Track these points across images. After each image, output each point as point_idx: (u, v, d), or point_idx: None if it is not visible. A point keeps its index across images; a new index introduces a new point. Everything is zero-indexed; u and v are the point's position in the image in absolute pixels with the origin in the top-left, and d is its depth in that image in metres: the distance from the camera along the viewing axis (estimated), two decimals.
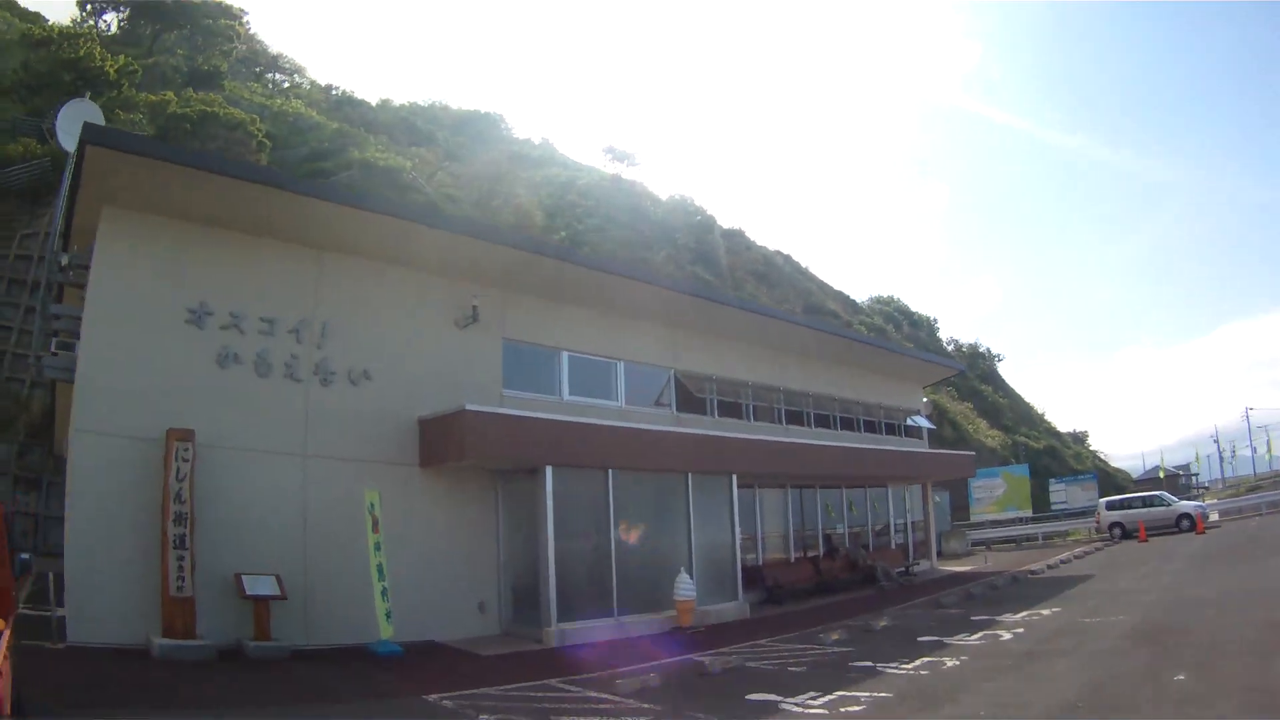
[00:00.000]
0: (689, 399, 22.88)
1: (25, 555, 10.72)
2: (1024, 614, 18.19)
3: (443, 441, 16.72)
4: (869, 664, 13.64)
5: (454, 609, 17.19)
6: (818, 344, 27.42)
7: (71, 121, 23.39)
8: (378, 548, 15.35)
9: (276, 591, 14.53)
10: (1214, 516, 40.47)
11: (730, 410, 24.43)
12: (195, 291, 15.23)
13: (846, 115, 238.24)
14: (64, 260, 18.29)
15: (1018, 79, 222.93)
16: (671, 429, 20.30)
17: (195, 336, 15.12)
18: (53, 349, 17.29)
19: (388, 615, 15.16)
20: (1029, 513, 48.55)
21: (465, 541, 17.74)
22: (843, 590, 26.00)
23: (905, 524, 33.53)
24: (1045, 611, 18.43)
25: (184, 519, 14.03)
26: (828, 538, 28.43)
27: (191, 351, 15.05)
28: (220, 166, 15.76)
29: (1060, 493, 50.65)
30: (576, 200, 53.74)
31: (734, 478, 21.21)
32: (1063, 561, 30.59)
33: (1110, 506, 41.18)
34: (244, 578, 14.40)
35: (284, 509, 15.55)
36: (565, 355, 20.34)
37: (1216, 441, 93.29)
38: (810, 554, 27.19)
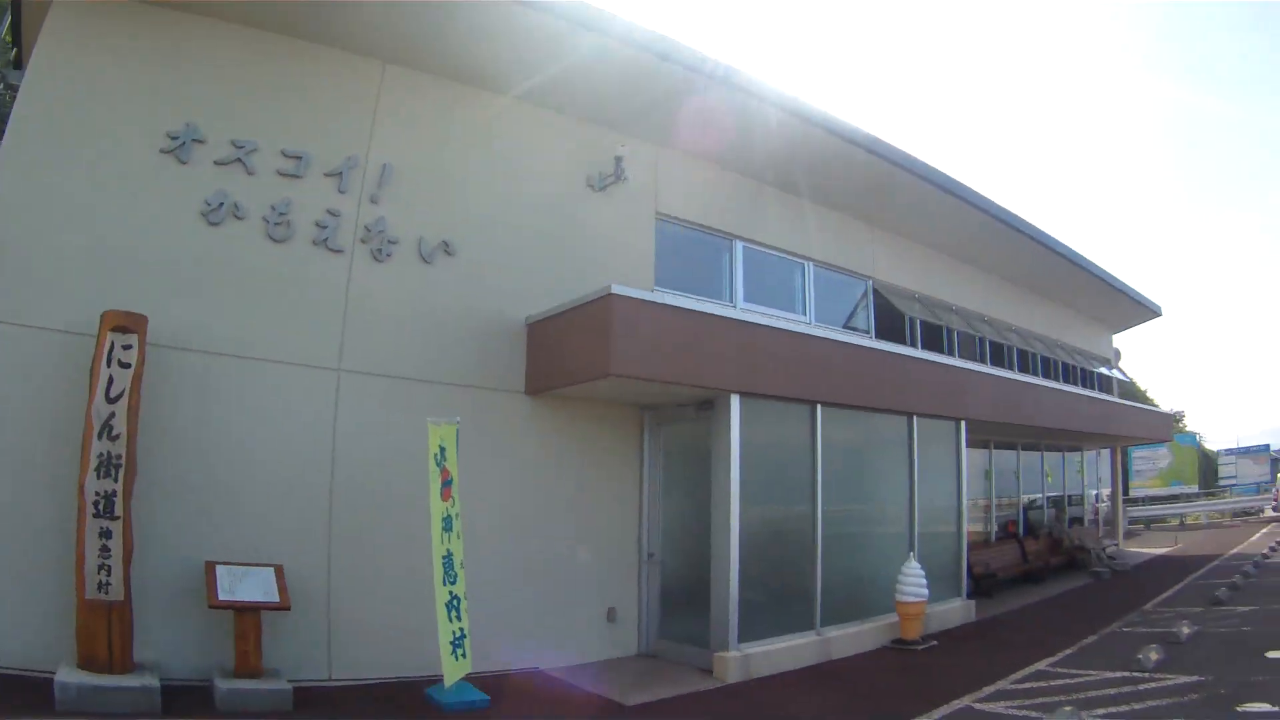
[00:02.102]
0: (887, 321, 16.83)
1: None
2: None
3: (570, 352, 10.61)
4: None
5: (571, 619, 11.28)
6: (1031, 258, 20.73)
7: None
8: (448, 525, 9.03)
9: (273, 596, 8.61)
10: None
11: (931, 342, 17.84)
12: (180, 108, 9.31)
13: None
14: None
15: None
16: (900, 350, 14.26)
17: (173, 175, 9.16)
18: None
19: (456, 644, 8.86)
20: (1195, 488, 42.51)
21: (592, 514, 11.72)
22: (1051, 578, 20.33)
23: (1094, 496, 28.01)
24: None
25: (114, 467, 8.04)
26: (1026, 512, 22.67)
27: (164, 197, 9.12)
28: None
29: (1230, 466, 44.04)
30: None
31: (963, 426, 15.31)
32: (1277, 545, 24.70)
33: None
34: (219, 572, 8.48)
35: (297, 457, 9.59)
36: (740, 246, 14.16)
37: None
38: (1009, 532, 21.47)
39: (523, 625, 10.68)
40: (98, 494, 7.90)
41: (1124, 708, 8.64)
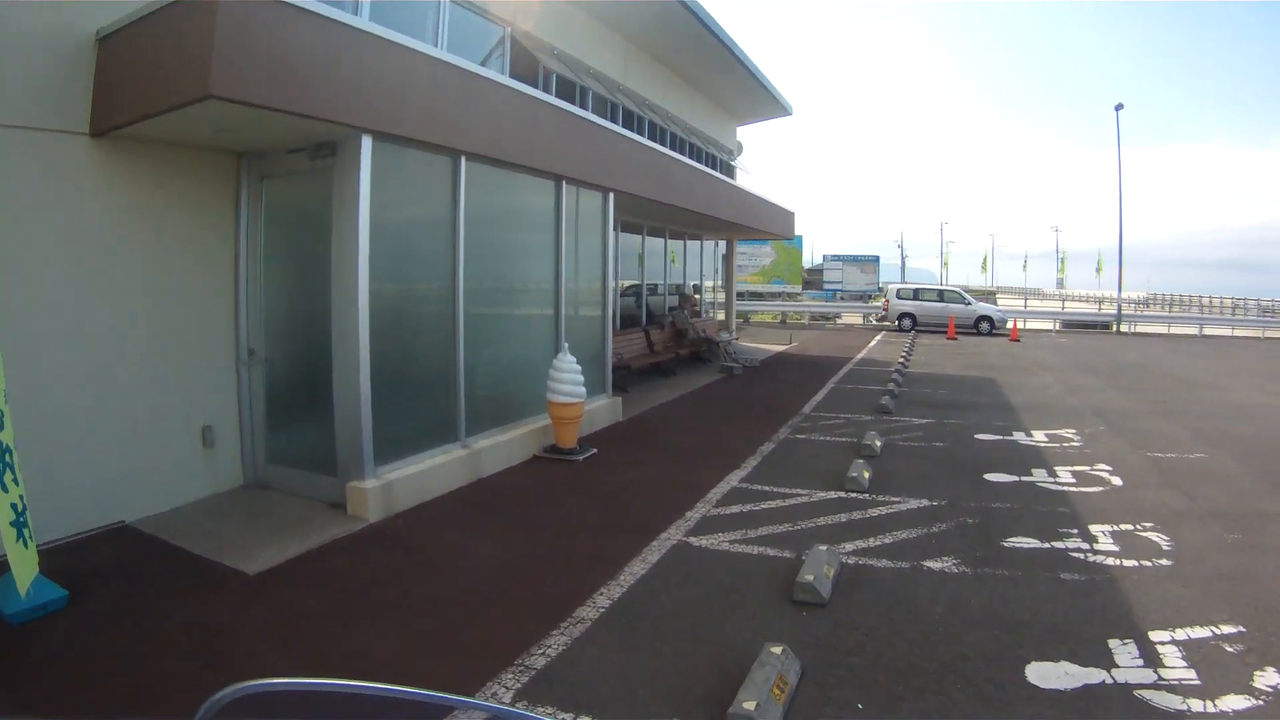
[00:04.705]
0: (522, 76, 14.37)
1: None
2: (1044, 437, 12.59)
3: (156, 71, 6.98)
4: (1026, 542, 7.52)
5: (158, 449, 8.18)
6: (678, 29, 18.78)
7: None
8: None
9: None
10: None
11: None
12: None
13: None
14: None
15: None
16: (556, 102, 11.84)
17: None
18: None
19: (18, 523, 5.45)
20: (799, 288, 44.38)
21: (175, 299, 8.42)
22: (680, 371, 19.78)
23: (711, 287, 27.84)
24: (1070, 435, 12.78)
25: None
26: (646, 299, 21.68)
27: None
28: None
29: (835, 271, 46.21)
30: None
31: (611, 199, 13.53)
32: (907, 354, 25.49)
33: (901, 295, 37.54)
34: None
35: None
36: None
37: (901, 247, 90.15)
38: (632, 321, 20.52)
39: (98, 464, 7.59)
40: None
41: (873, 541, 7.47)
